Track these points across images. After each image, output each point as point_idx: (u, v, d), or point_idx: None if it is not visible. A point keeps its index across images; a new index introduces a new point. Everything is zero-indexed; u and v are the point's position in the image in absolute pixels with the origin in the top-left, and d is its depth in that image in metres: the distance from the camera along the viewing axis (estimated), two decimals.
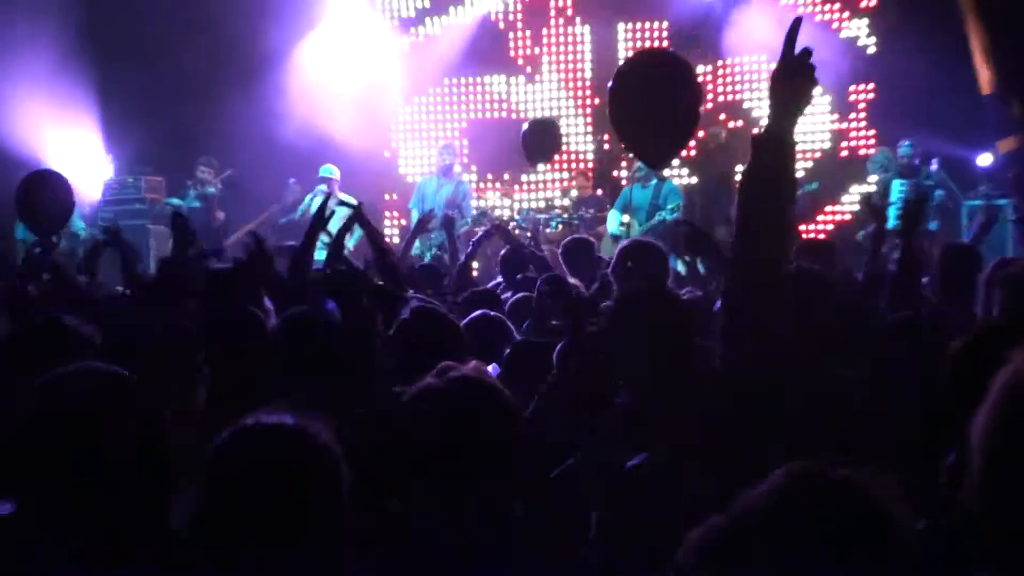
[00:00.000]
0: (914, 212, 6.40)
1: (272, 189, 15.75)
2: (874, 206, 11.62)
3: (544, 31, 17.99)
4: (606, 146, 17.30)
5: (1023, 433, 1.32)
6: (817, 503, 1.95)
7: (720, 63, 17.20)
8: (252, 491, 2.82)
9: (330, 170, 15.14)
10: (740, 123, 16.74)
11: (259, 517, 2.79)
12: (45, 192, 10.89)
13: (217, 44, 17.12)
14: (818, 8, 16.78)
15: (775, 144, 3.46)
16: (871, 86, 16.35)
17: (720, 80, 17.21)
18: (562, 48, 18.03)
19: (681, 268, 9.27)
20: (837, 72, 16.06)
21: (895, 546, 1.92)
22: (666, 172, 14.72)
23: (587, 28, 17.71)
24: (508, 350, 5.55)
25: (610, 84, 9.05)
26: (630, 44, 17.45)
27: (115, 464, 2.92)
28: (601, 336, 4.90)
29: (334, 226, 8.22)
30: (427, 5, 18.37)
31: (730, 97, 17.18)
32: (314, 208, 10.41)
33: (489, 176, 17.48)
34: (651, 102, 9.29)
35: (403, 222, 16.35)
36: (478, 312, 5.95)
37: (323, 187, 14.61)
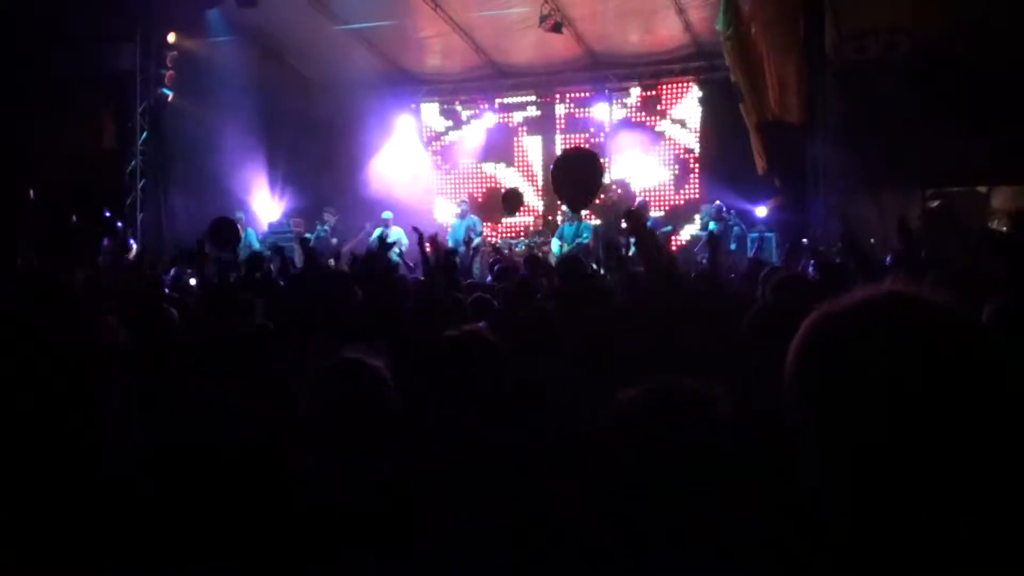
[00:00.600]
0: (716, 242, 6.62)
1: (359, 224, 15.89)
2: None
3: (515, 138, 17.88)
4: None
5: (816, 362, 1.13)
6: (664, 402, 1.69)
7: (613, 155, 16.75)
8: (341, 396, 2.59)
9: (388, 215, 15.24)
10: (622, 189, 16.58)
11: (342, 414, 2.57)
12: (224, 229, 10.68)
13: (335, 143, 17.34)
14: (667, 133, 16.77)
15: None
16: (697, 171, 16.42)
17: (615, 164, 16.70)
18: (525, 148, 17.86)
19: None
20: (680, 164, 16.39)
21: (720, 431, 1.66)
22: (582, 215, 14.79)
23: (539, 137, 17.68)
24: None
25: (551, 165, 9.22)
26: (563, 146, 17.20)
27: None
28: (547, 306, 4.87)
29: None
30: (449, 124, 18.30)
31: (617, 175, 16.73)
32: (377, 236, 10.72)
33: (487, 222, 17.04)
34: (574, 175, 9.55)
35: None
36: (477, 294, 5.88)
37: (382, 225, 14.78)
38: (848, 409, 1.11)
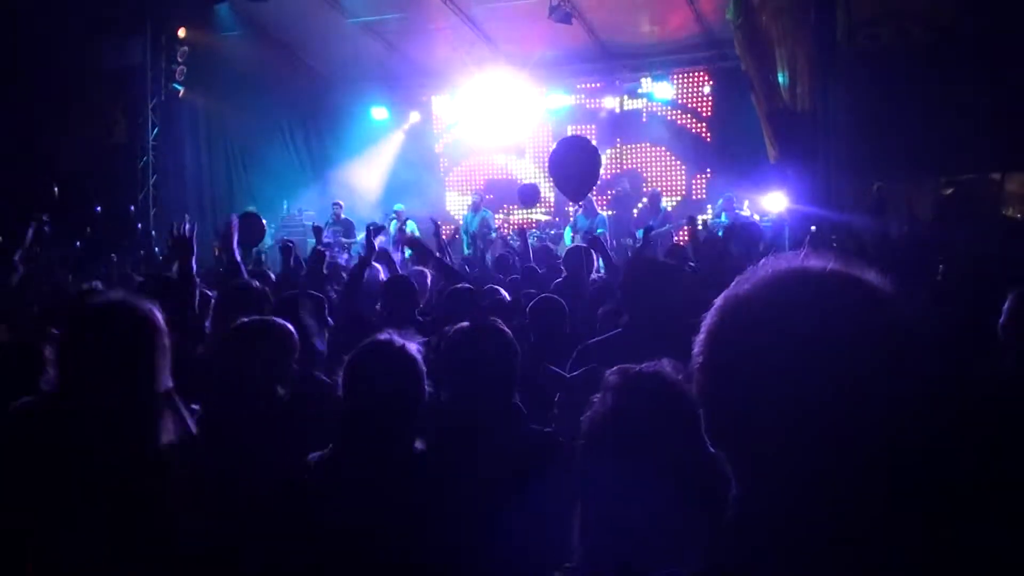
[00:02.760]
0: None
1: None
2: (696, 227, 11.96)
3: (526, 129, 17.86)
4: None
5: (725, 339, 1.11)
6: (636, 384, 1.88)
7: (625, 146, 17.02)
8: (375, 378, 2.67)
9: (400, 206, 15.22)
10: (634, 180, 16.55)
11: (377, 390, 2.65)
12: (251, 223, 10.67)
13: (345, 136, 17.48)
14: (679, 116, 16.73)
15: None
16: (709, 161, 16.36)
17: (626, 155, 17.05)
18: (537, 139, 17.91)
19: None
20: (691, 153, 16.40)
21: (686, 411, 1.72)
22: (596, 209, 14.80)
23: (550, 128, 17.57)
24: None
25: (549, 157, 9.26)
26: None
27: None
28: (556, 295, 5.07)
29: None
30: (460, 116, 18.14)
31: (628, 165, 16.92)
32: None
33: (500, 213, 17.09)
34: (572, 164, 9.45)
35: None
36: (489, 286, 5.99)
37: (394, 215, 14.81)
38: (758, 389, 1.07)
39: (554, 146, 9.76)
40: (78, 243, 9.38)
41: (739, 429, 1.10)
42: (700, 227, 12.66)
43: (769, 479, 1.08)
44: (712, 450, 1.14)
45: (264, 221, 11.95)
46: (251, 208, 14.29)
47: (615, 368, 1.98)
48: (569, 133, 17.00)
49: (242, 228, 10.05)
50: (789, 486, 1.07)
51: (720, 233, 12.60)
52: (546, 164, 17.10)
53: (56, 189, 10.02)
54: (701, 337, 1.14)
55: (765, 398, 1.06)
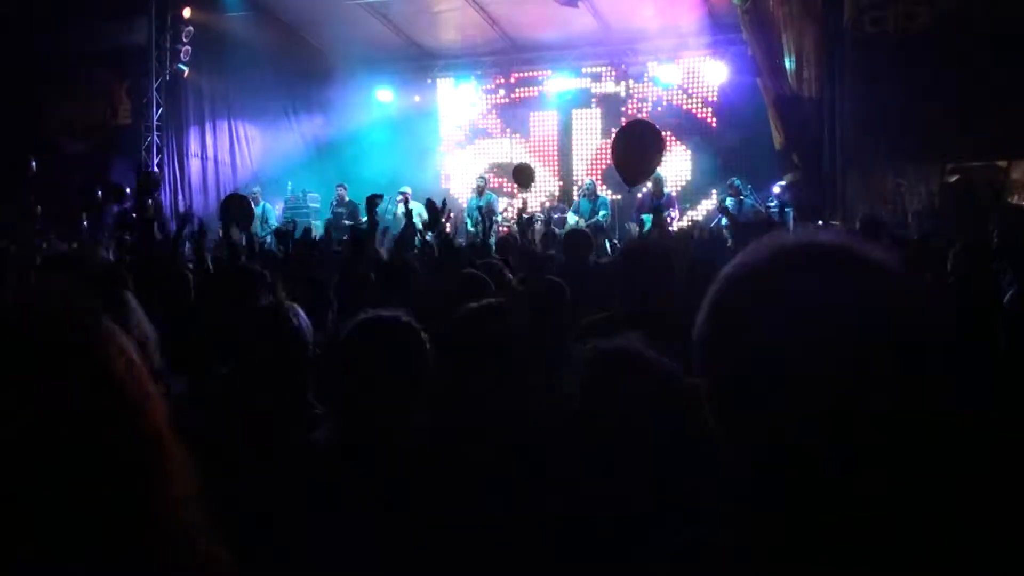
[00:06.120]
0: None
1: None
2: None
3: (530, 114, 17.80)
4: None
5: (728, 309, 1.09)
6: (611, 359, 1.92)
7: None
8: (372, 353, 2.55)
9: (405, 188, 15.02)
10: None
11: (376, 365, 2.52)
12: (238, 204, 10.57)
13: (350, 118, 17.46)
14: (685, 102, 16.60)
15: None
16: (714, 146, 16.25)
17: None
18: (541, 123, 17.76)
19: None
20: (698, 135, 16.27)
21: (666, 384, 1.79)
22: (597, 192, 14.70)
23: (555, 112, 17.54)
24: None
25: (614, 134, 9.11)
26: (578, 125, 17.38)
27: None
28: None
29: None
30: (464, 99, 18.02)
31: None
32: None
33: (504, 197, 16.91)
34: (634, 148, 9.37)
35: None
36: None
37: (400, 197, 14.54)
38: (759, 365, 1.03)
39: (621, 125, 9.69)
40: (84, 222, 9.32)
41: (742, 401, 1.06)
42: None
43: (772, 454, 1.04)
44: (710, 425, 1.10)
45: (251, 202, 11.91)
46: (255, 189, 14.35)
47: (590, 345, 2.00)
48: (574, 117, 17.09)
49: (230, 209, 10.10)
50: (793, 460, 1.03)
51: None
52: (552, 149, 17.33)
53: (33, 164, 9.94)
54: (704, 309, 1.12)
55: (767, 368, 1.03)
